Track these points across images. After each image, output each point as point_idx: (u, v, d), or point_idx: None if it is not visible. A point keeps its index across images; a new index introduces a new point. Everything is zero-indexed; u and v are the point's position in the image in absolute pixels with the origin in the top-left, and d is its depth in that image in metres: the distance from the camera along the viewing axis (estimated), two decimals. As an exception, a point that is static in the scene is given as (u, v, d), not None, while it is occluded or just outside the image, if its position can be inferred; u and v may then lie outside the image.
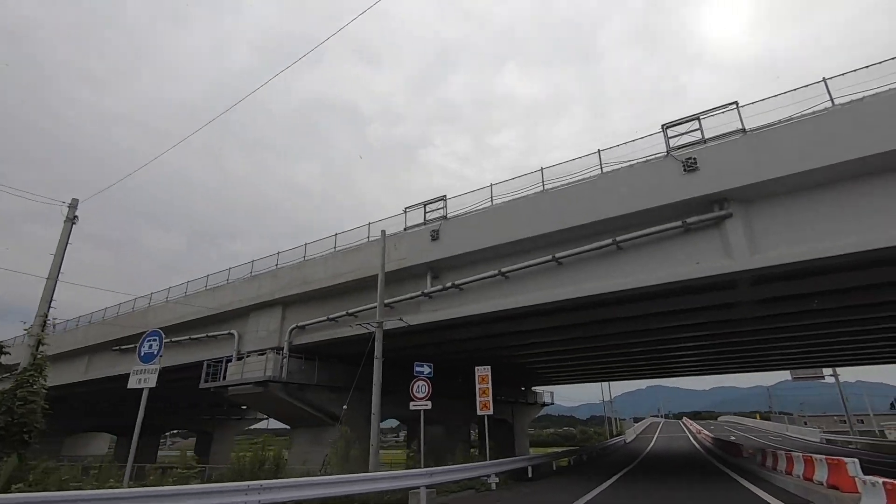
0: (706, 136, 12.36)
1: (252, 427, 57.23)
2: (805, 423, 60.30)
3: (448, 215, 16.29)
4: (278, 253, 21.16)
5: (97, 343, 28.67)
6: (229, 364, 20.54)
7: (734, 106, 12.14)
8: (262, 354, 19.75)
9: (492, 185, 15.65)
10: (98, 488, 6.64)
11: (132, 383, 9.23)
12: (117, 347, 27.68)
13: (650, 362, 28.98)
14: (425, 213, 16.95)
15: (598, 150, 13.91)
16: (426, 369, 14.11)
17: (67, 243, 12.52)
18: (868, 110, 10.39)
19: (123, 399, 42.97)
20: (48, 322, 11.75)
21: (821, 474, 9.30)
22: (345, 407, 16.47)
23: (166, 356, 25.12)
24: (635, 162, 13.16)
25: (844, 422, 71.51)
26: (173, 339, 24.32)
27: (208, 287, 23.68)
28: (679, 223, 12.11)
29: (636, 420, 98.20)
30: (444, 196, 16.62)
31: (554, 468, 19.52)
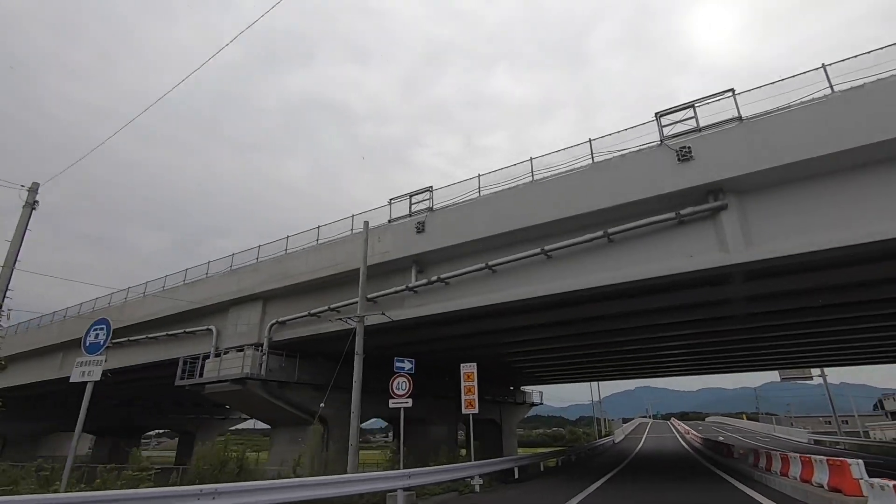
0: (701, 125, 11.91)
1: (236, 427, 56.19)
2: (791, 424, 60.58)
3: (434, 207, 15.71)
4: (259, 246, 20.43)
5: (72, 339, 27.58)
6: (207, 361, 19.76)
7: (730, 93, 11.71)
8: (241, 351, 19.01)
9: (479, 175, 15.11)
10: (36, 492, 5.97)
11: (75, 376, 8.50)
12: (92, 344, 26.69)
13: (640, 362, 28.63)
14: (410, 204, 16.36)
15: (590, 140, 13.41)
16: (407, 365, 13.50)
17: (27, 230, 11.72)
18: (869, 97, 10.00)
19: (99, 400, 41.86)
20: (2, 314, 10.94)
21: (821, 476, 8.85)
22: (322, 405, 15.82)
23: (142, 353, 24.49)
24: (628, 151, 12.69)
25: (829, 423, 72.16)
26: (149, 336, 23.54)
27: (187, 281, 22.86)
28: (672, 215, 11.65)
29: (625, 421, 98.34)
30: (431, 187, 16.05)
31: (542, 469, 19.00)
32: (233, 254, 21.29)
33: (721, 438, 36.47)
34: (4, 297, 11.01)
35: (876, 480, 6.52)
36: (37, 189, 12.14)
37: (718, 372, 33.44)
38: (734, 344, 22.32)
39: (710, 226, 11.58)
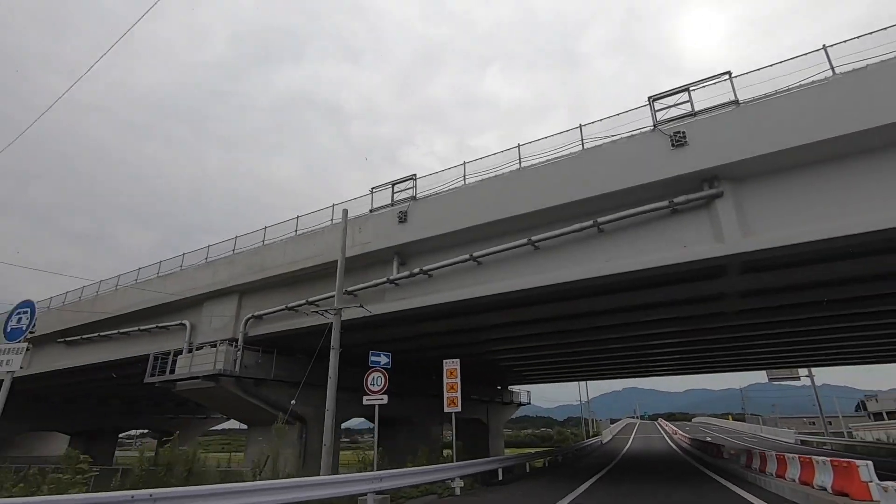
0: (696, 109, 11.36)
1: (218, 427, 54.89)
2: (776, 424, 60.82)
3: (418, 196, 15.01)
4: (235, 237, 19.54)
5: (41, 335, 26.41)
6: (179, 357, 18.84)
7: (727, 76, 11.17)
8: (215, 346, 18.12)
9: (465, 162, 14.45)
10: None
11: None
12: (62, 339, 25.61)
13: (628, 361, 28.17)
14: (393, 193, 15.64)
15: (580, 125, 12.82)
16: (383, 359, 12.76)
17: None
18: (872, 79, 9.52)
19: (73, 398, 40.42)
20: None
21: (823, 478, 8.31)
22: (293, 402, 15.04)
23: (113, 349, 23.42)
24: (619, 137, 12.11)
25: (813, 423, 72.74)
26: (121, 331, 22.54)
27: (160, 274, 21.88)
28: (665, 203, 11.08)
29: (613, 421, 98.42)
30: (414, 175, 15.34)
31: (527, 470, 18.37)
32: (208, 245, 20.40)
33: (708, 439, 36.21)
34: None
35: (890, 483, 5.97)
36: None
37: (707, 371, 33.16)
38: (724, 342, 21.91)
39: (704, 215, 11.03)
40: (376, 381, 12.27)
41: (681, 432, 52.65)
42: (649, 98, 11.96)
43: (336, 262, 14.25)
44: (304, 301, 16.29)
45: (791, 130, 9.95)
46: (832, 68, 10.04)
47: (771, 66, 10.68)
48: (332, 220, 16.81)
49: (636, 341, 20.74)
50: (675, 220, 11.32)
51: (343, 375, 15.67)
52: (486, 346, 21.96)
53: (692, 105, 11.44)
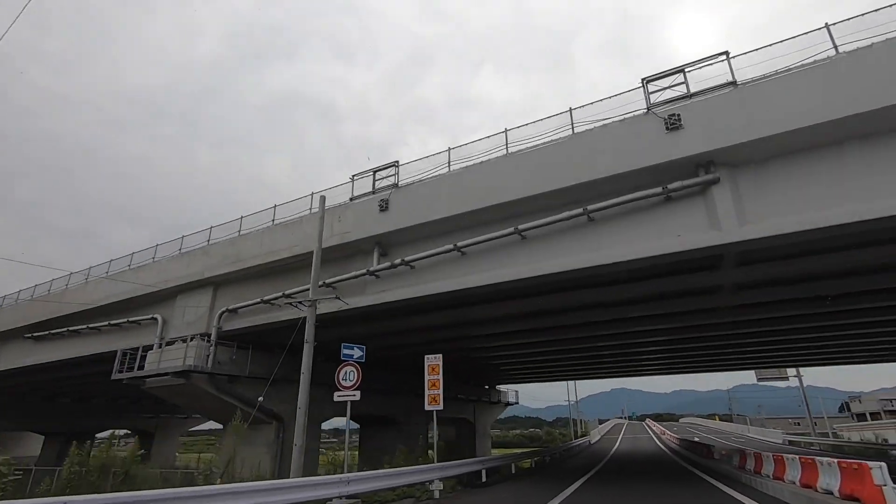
0: (692, 91, 10.80)
1: (202, 427, 53.59)
2: (762, 425, 61.00)
3: (400, 183, 14.30)
4: (210, 227, 18.65)
5: (7, 329, 25.31)
6: (149, 352, 17.90)
7: (724, 57, 10.62)
8: (187, 341, 17.23)
9: (449, 148, 13.76)
10: None
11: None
12: (30, 335, 24.45)
13: (618, 360, 27.66)
14: (374, 180, 14.91)
15: (570, 109, 12.21)
16: (356, 352, 11.99)
17: None
18: (877, 58, 9.01)
19: (51, 397, 39.05)
20: None
21: (829, 481, 7.76)
22: (260, 399, 14.23)
23: (83, 345, 22.35)
24: (611, 121, 11.50)
25: (798, 424, 73.22)
26: (91, 326, 21.52)
27: (132, 266, 20.90)
28: (659, 189, 10.50)
29: (601, 422, 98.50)
30: (397, 162, 14.63)
31: (513, 471, 17.72)
32: (182, 236, 19.48)
33: (696, 439, 35.92)
34: None
35: (908, 487, 5.44)
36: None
37: (696, 371, 32.83)
38: (715, 340, 21.44)
39: (699, 202, 10.47)
40: (348, 375, 11.51)
41: (669, 433, 52.50)
42: (643, 80, 11.38)
43: (314, 251, 13.52)
44: (280, 294, 15.49)
45: (791, 113, 9.41)
46: (835, 47, 9.53)
47: (770, 45, 10.16)
48: (310, 209, 16.02)
49: (626, 338, 20.20)
50: (669, 207, 10.75)
51: (324, 371, 14.93)
52: (472, 342, 21.28)
53: (688, 87, 10.89)
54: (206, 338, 17.19)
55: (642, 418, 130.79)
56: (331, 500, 7.37)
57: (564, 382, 59.17)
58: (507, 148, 12.81)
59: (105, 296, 20.95)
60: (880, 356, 27.43)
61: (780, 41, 10.04)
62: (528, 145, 12.48)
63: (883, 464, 6.58)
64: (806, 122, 9.25)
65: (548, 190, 11.69)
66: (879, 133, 9.15)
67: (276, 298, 15.53)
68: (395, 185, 14.28)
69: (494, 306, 15.22)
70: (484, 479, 14.28)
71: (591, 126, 11.73)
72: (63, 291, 23.28)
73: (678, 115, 10.48)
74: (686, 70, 10.96)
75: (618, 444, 41.84)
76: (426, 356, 13.80)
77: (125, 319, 20.24)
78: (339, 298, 13.04)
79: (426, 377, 13.24)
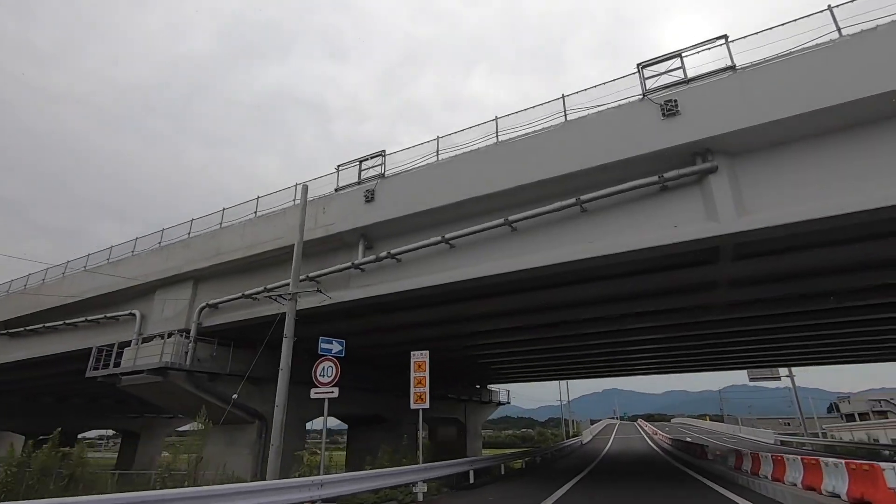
0: (689, 76, 10.37)
1: (185, 427, 52.59)
2: (753, 425, 61.08)
3: (387, 173, 13.77)
4: (192, 220, 18.01)
5: (-22, 326, 24.44)
6: (126, 349, 17.22)
7: (723, 41, 10.21)
8: (165, 338, 16.57)
9: (438, 137, 13.27)
10: None
11: None
12: (5, 331, 23.63)
13: (610, 359, 27.27)
14: (360, 171, 14.37)
15: (563, 95, 11.76)
16: (335, 346, 11.43)
17: None
18: (882, 41, 8.64)
19: (32, 395, 38.00)
20: None
21: (834, 483, 7.35)
22: (234, 396, 13.64)
23: (59, 342, 21.59)
24: (606, 107, 11.06)
25: (788, 424, 73.40)
26: (68, 322, 20.77)
27: (111, 260, 20.20)
28: (655, 178, 10.06)
29: (593, 422, 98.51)
30: (383, 151, 14.10)
31: (503, 472, 17.23)
32: (162, 228, 18.81)
33: (688, 439, 35.68)
34: None
35: (927, 491, 5.01)
36: None
37: (689, 371, 32.55)
38: (708, 339, 21.08)
39: (696, 192, 10.05)
40: (326, 371, 10.95)
41: (661, 433, 52.37)
42: (638, 65, 10.94)
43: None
44: (262, 288, 14.89)
45: (793, 98, 9.02)
46: (838, 30, 9.14)
47: (770, 29, 9.75)
48: (294, 200, 15.44)
49: (619, 336, 19.79)
50: (665, 198, 10.32)
51: (308, 369, 14.26)
52: (463, 340, 20.76)
53: (685, 72, 10.46)
54: (185, 334, 16.55)
55: (634, 418, 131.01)
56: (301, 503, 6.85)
57: (557, 383, 58.93)
58: (497, 136, 12.34)
59: (83, 291, 20.24)
60: (872, 356, 27.30)
61: (781, 24, 9.64)
62: (520, 133, 12.01)
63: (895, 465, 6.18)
64: (808, 108, 8.87)
65: (539, 179, 11.23)
66: (886, 118, 8.78)
67: (257, 293, 14.94)
68: (382, 176, 13.76)
69: (484, 302, 14.76)
70: (472, 481, 13.78)
71: (585, 113, 11.29)
72: (39, 286, 22.50)
73: (675, 100, 10.06)
74: (683, 55, 10.54)
75: (609, 444, 41.54)
76: (412, 353, 13.29)
77: (102, 315, 19.53)
78: (320, 292, 12.49)
79: (412, 374, 12.71)
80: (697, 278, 12.74)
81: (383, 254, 13.06)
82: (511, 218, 11.40)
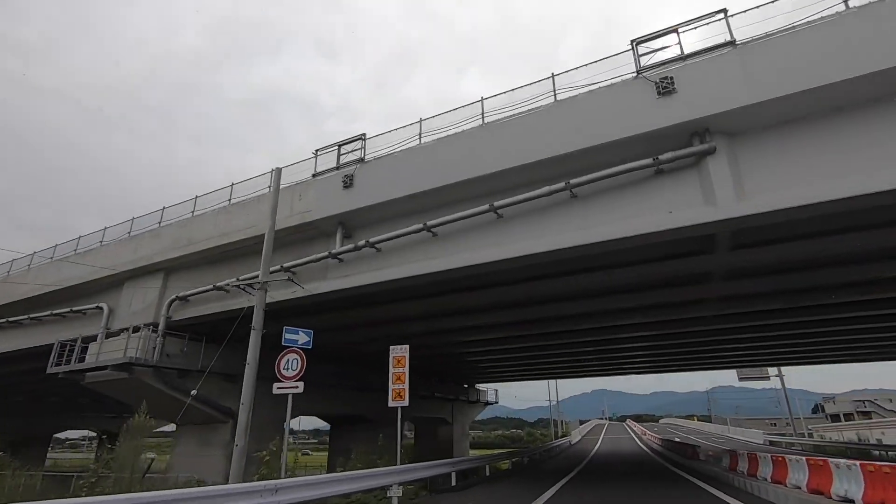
0: (686, 53, 9.77)
1: (166, 428, 51.23)
2: (740, 425, 61.17)
3: (367, 158, 13.02)
4: (163, 208, 17.09)
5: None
6: (92, 344, 16.27)
7: (721, 15, 9.61)
8: (133, 332, 15.65)
9: (421, 119, 12.54)
10: None
11: None
12: (-33, 327, 22.42)
13: (600, 357, 26.74)
14: (339, 155, 13.60)
15: (552, 75, 11.09)
16: (301, 337, 10.61)
17: None
18: (891, 12, 8.07)
19: (2, 394, 36.51)
20: None
21: (846, 487, 6.74)
22: (193, 392, 12.79)
23: (23, 337, 20.49)
24: (598, 86, 10.42)
25: (775, 424, 73.85)
26: (32, 316, 19.71)
27: (79, 251, 19.18)
28: (650, 161, 9.44)
29: (582, 422, 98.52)
30: (364, 135, 13.34)
31: (487, 473, 16.53)
32: (133, 217, 17.85)
33: (677, 439, 35.32)
34: None
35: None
36: None
37: (679, 370, 32.18)
38: (698, 336, 20.61)
39: (693, 175, 9.45)
40: (291, 364, 10.14)
41: (650, 433, 52.10)
42: (632, 41, 10.32)
43: (274, 233, 12.18)
44: (235, 279, 14.05)
45: (797, 73, 8.44)
46: (844, 1, 8.58)
47: (773, 1, 9.17)
48: (270, 187, 14.62)
49: (610, 333, 19.20)
50: (660, 181, 9.70)
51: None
52: (449, 336, 20.05)
53: (681, 48, 9.84)
54: (153, 328, 15.65)
55: (623, 419, 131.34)
56: (254, 512, 6.07)
57: (546, 386, 58.45)
58: (483, 118, 11.64)
59: (48, 283, 19.18)
60: (861, 355, 27.10)
61: (783, -3, 9.06)
62: (507, 114, 11.33)
63: (922, 467, 5.59)
64: (814, 83, 8.28)
65: (527, 162, 10.55)
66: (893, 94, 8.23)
67: (228, 284, 14.11)
68: (361, 160, 13.00)
69: (470, 295, 14.08)
70: (454, 483, 13.06)
71: (576, 93, 10.64)
72: (4, 278, 21.38)
73: (671, 77, 9.44)
74: (680, 30, 9.93)
75: (599, 444, 41.09)
76: (391, 347, 12.54)
77: (69, 309, 18.52)
78: (292, 281, 11.71)
79: (391, 370, 11.96)
80: (692, 269, 12.17)
81: (362, 242, 12.31)
82: (497, 204, 10.72)
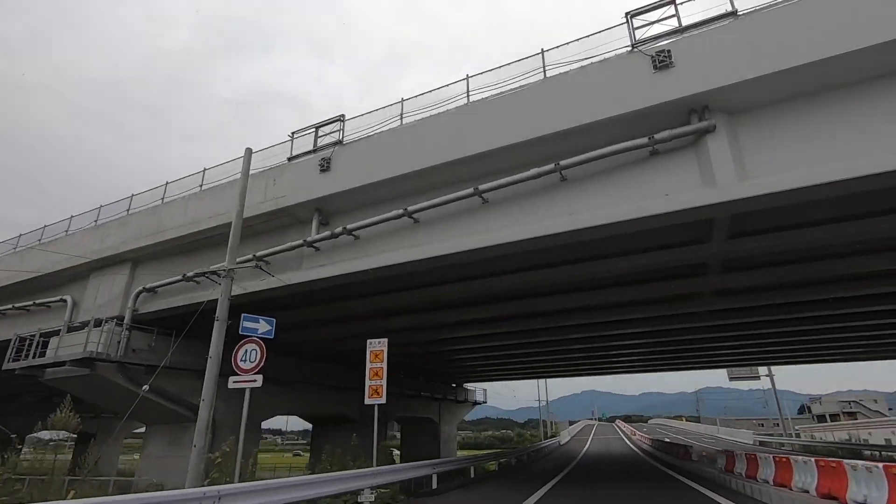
0: (684, 25, 9.15)
1: (142, 430, 49.84)
2: (729, 425, 61.16)
3: (345, 140, 12.26)
4: (132, 195, 16.17)
5: None
6: (53, 338, 15.28)
7: (722, -15, 8.99)
8: (96, 325, 14.71)
9: (403, 99, 11.81)
10: None
11: None
12: (-73, 321, 21.24)
13: (590, 356, 26.13)
14: (316, 138, 12.81)
15: (542, 50, 10.42)
16: (262, 325, 9.76)
17: None
18: (906, -22, 7.50)
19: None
20: None
21: (865, 491, 6.12)
22: (145, 387, 11.93)
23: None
24: (590, 62, 9.76)
25: (762, 425, 74.14)
26: (-8, 309, 18.59)
27: (43, 241, 18.16)
28: (645, 140, 8.80)
29: (571, 423, 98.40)
30: (342, 116, 12.58)
31: (472, 475, 15.81)
32: (100, 206, 16.89)
33: (667, 440, 34.90)
34: None
35: None
36: None
37: (670, 369, 31.76)
38: (690, 334, 20.08)
39: (691, 155, 8.82)
40: (249, 355, 9.34)
41: (640, 433, 51.77)
42: (627, 14, 9.67)
43: (246, 219, 11.37)
44: (205, 269, 13.18)
45: (805, 44, 7.83)
46: (854, -32, 7.98)
47: (777, -31, 8.56)
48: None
49: (600, 330, 18.58)
50: (656, 162, 9.07)
51: (268, 365, 12.71)
52: (435, 333, 19.30)
53: (679, 20, 9.23)
54: (119, 322, 14.72)
55: (612, 419, 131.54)
56: (192, 522, 5.30)
57: (535, 384, 57.94)
58: (468, 97, 10.94)
59: (10, 275, 18.13)
60: (852, 354, 26.85)
61: (789, -36, 8.45)
62: (493, 93, 10.64)
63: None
64: (820, 55, 7.69)
65: (516, 142, 9.85)
66: (907, 70, 7.66)
67: (196, 275, 13.23)
68: (339, 142, 12.24)
69: (454, 287, 13.34)
70: (435, 486, 12.30)
71: (567, 69, 9.97)
72: (-35, 271, 20.23)
73: (668, 51, 8.81)
74: (678, 1, 9.30)
75: (588, 444, 40.58)
76: (368, 340, 11.78)
77: (32, 302, 17.51)
78: (262, 269, 10.93)
79: (367, 365, 11.20)
80: (688, 260, 11.53)
81: (339, 230, 11.54)
82: (482, 187, 10.03)
